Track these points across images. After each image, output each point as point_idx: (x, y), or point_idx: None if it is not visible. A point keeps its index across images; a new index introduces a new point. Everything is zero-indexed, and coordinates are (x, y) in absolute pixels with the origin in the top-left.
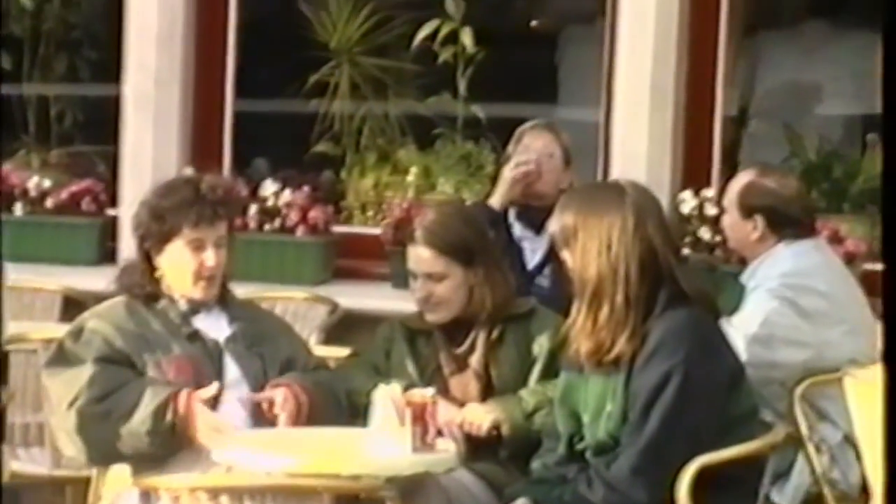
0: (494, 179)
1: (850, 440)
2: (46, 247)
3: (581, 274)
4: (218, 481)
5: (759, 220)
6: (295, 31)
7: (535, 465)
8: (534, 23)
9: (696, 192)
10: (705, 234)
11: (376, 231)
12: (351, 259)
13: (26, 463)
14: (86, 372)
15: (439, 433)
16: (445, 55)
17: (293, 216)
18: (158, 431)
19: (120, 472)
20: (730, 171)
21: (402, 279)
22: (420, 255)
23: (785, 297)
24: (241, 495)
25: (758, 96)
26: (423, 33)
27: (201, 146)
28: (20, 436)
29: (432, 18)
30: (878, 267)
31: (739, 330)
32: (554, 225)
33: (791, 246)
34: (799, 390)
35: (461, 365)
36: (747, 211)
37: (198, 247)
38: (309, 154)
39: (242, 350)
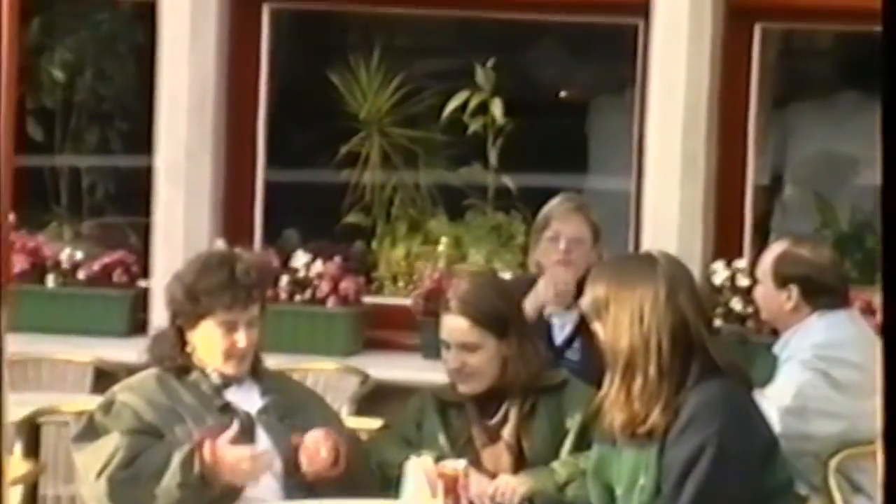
0: (525, 249)
1: None
2: (78, 318)
3: (613, 346)
4: None
5: (794, 290)
6: (325, 102)
7: None
8: (563, 93)
9: (728, 263)
10: (737, 304)
11: (407, 302)
12: (382, 330)
13: None
14: (112, 441)
15: None
16: (475, 126)
17: (324, 287)
18: (188, 483)
19: None
20: (761, 241)
21: (432, 350)
22: (454, 325)
23: (818, 368)
24: None
25: (789, 166)
26: (453, 104)
27: (233, 217)
28: None
29: (462, 90)
30: None
31: (772, 401)
32: (586, 297)
33: (824, 317)
34: (833, 463)
35: (493, 437)
36: (782, 281)
37: (230, 328)
38: (340, 224)
39: (275, 422)
